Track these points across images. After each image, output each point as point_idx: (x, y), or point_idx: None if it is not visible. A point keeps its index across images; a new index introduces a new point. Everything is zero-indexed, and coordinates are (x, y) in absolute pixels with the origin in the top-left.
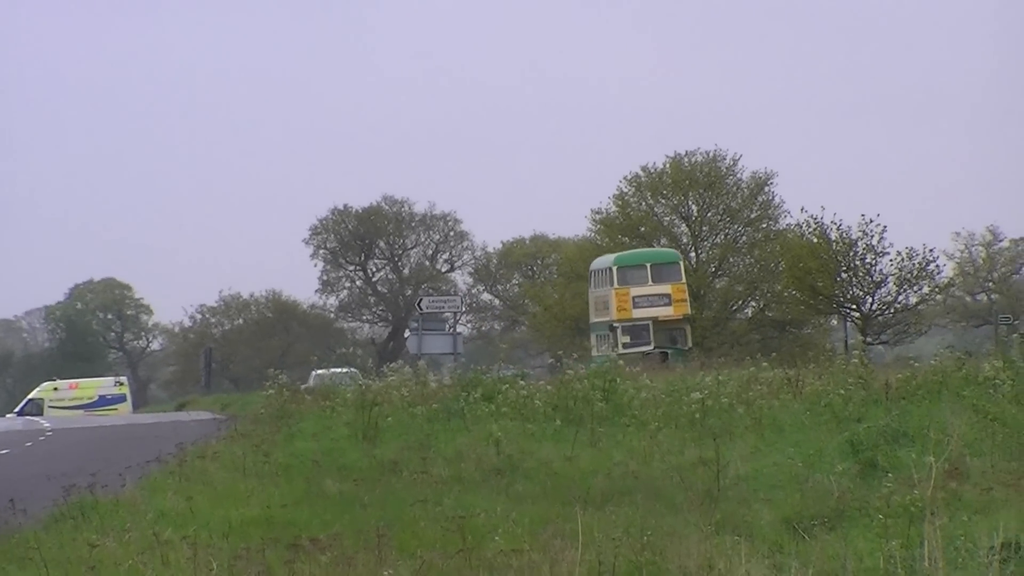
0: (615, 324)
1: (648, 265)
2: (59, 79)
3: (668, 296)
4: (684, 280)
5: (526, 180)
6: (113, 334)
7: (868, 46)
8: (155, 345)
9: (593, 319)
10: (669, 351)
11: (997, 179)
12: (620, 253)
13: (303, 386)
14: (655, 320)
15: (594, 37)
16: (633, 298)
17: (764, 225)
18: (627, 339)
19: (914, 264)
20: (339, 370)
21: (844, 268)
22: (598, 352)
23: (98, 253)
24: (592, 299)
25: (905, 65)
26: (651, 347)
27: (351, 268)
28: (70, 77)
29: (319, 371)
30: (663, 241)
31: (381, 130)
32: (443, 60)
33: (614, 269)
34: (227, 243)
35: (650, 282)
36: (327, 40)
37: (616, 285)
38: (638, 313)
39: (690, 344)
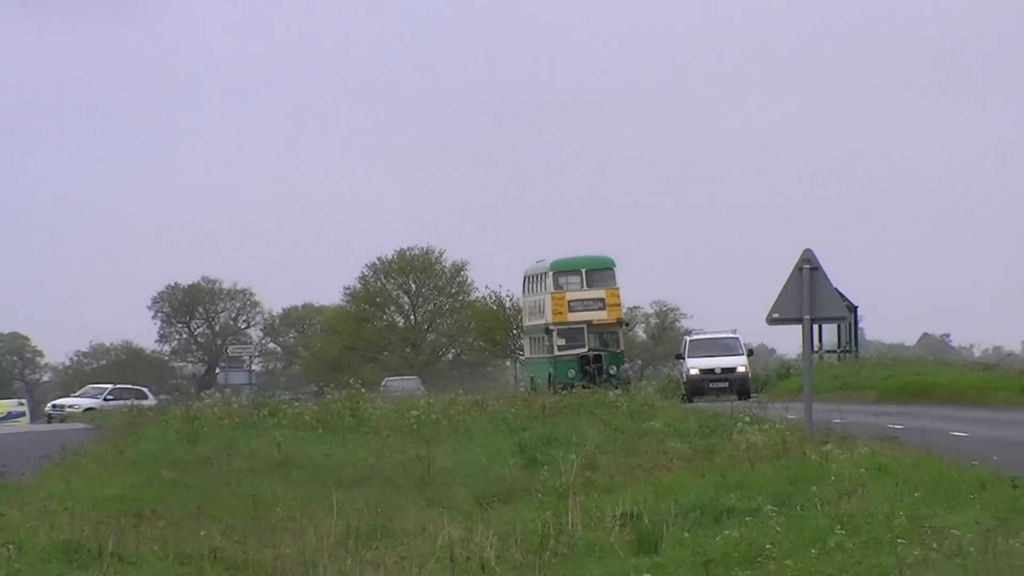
0: (551, 327)
1: (583, 271)
2: None
3: (603, 300)
4: (617, 285)
5: (300, 259)
6: (16, 370)
7: (532, 136)
8: (46, 377)
9: (527, 323)
10: (603, 354)
11: (661, 259)
12: (556, 259)
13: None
14: (589, 324)
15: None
16: (568, 302)
17: (461, 297)
18: (562, 341)
19: None
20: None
21: (515, 326)
22: (531, 355)
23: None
24: (526, 304)
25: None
26: (586, 349)
27: (179, 325)
28: None
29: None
30: (391, 309)
31: (201, 214)
32: (244, 167)
33: (550, 274)
34: (93, 304)
35: (584, 287)
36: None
37: (552, 290)
38: (573, 317)
39: (622, 347)
